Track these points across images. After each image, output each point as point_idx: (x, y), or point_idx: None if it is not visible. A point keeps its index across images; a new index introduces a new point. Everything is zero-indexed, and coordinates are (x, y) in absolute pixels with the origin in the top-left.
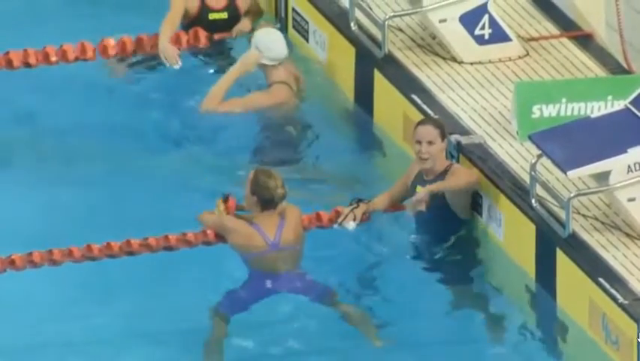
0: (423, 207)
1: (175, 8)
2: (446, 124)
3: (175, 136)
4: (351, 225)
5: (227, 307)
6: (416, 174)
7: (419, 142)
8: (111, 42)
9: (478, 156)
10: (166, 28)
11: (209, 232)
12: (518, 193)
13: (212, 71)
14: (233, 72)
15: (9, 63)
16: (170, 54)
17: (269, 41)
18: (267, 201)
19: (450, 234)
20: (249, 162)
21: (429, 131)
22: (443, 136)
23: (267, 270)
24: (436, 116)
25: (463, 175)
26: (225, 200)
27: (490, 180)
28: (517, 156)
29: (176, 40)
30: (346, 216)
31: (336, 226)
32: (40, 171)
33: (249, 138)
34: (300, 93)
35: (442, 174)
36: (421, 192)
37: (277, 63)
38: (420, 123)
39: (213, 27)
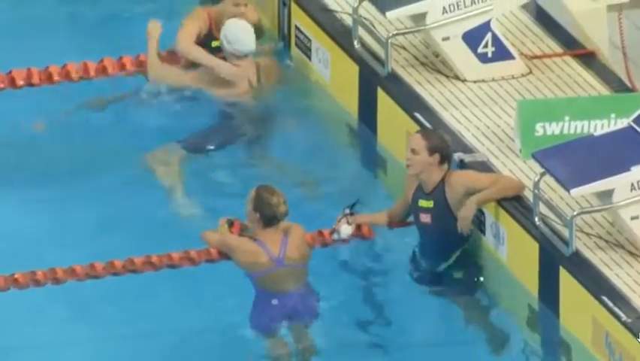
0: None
1: (192, 28)
2: (447, 141)
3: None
4: (343, 228)
5: (260, 327)
6: (416, 189)
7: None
8: (110, 61)
9: None
10: (196, 48)
11: (212, 249)
12: (521, 211)
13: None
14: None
15: (12, 82)
16: (233, 72)
17: (238, 34)
18: (270, 218)
19: (453, 250)
20: (253, 178)
21: (416, 140)
22: (433, 150)
23: (272, 288)
24: (438, 131)
25: (504, 183)
26: (230, 225)
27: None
28: (520, 174)
29: (175, 59)
30: (339, 220)
31: (334, 236)
32: (42, 188)
33: (250, 154)
34: (265, 85)
35: (440, 185)
36: (468, 208)
37: (243, 55)
38: (416, 131)
39: (213, 53)
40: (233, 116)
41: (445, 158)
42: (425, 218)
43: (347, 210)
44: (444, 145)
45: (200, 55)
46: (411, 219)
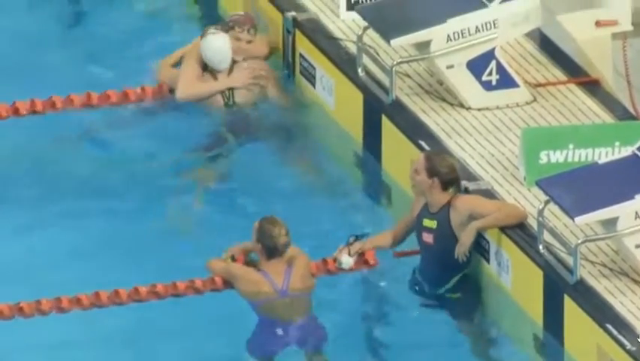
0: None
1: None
2: (450, 167)
3: (185, 179)
4: (344, 259)
5: (257, 353)
6: (422, 207)
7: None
8: (114, 91)
9: None
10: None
11: (217, 279)
12: (526, 239)
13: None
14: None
15: (15, 111)
16: (244, 79)
17: (211, 54)
18: (271, 250)
19: (453, 274)
20: (257, 206)
21: (419, 160)
22: (432, 173)
23: (276, 317)
24: (445, 156)
25: (507, 210)
26: (233, 260)
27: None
28: (524, 201)
29: None
30: (341, 250)
31: (337, 265)
32: (47, 215)
33: (257, 183)
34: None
35: (446, 207)
36: (467, 234)
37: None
38: (424, 151)
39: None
40: (216, 126)
41: (448, 184)
42: (427, 238)
43: (351, 240)
44: (444, 171)
45: (201, 90)
46: (416, 248)
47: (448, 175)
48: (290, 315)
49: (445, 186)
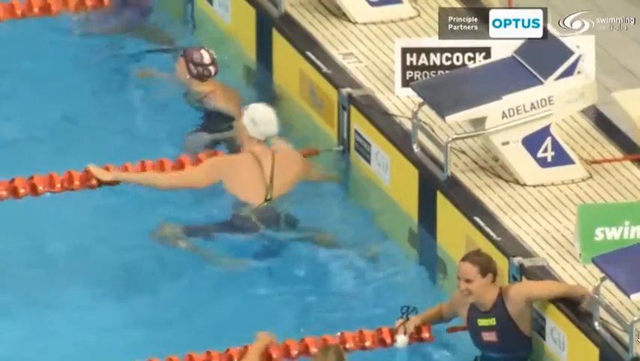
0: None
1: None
2: (490, 256)
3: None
4: (400, 340)
5: None
6: (470, 308)
7: (459, 278)
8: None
9: (541, 278)
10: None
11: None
12: (581, 316)
13: None
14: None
15: (33, 189)
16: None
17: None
18: None
19: (515, 357)
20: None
21: (466, 270)
22: (485, 271)
23: None
24: (479, 251)
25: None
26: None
27: (554, 304)
28: (580, 278)
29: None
30: (397, 330)
31: (395, 343)
32: (69, 288)
33: (309, 257)
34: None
35: (499, 301)
36: (575, 289)
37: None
38: (462, 259)
39: None
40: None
41: (496, 273)
42: (489, 336)
43: (404, 316)
44: (492, 262)
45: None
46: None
47: (495, 265)
48: None
49: (495, 276)
